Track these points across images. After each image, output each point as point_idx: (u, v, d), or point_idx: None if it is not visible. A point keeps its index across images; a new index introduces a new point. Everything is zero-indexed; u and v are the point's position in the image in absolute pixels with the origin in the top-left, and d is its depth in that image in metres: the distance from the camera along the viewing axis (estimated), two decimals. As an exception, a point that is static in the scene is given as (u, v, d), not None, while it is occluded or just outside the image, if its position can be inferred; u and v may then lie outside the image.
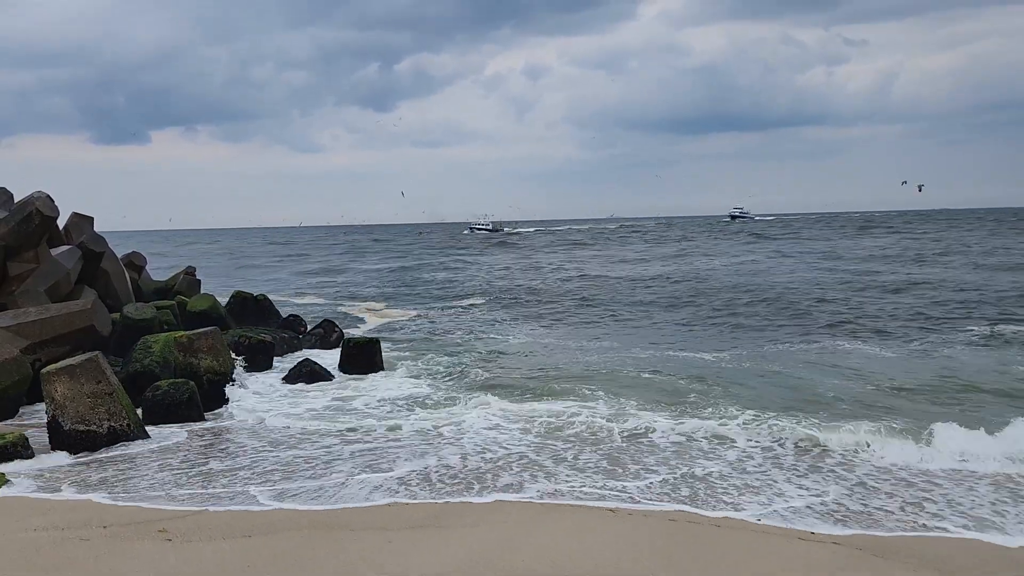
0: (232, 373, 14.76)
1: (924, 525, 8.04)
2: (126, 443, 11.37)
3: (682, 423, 12.01)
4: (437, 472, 9.93)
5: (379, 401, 14.20)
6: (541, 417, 12.55)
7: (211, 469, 10.26)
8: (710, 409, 12.83)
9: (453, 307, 31.12)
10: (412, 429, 12.14)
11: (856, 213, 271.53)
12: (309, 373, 16.10)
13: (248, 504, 8.79)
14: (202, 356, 14.41)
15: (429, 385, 15.54)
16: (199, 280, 25.69)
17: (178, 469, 10.28)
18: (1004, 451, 10.09)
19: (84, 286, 17.92)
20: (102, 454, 10.99)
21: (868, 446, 10.61)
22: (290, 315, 23.42)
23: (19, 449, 10.56)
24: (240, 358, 16.59)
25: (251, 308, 22.59)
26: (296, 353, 19.42)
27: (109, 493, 9.25)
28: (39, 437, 11.39)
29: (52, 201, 16.89)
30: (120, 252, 22.59)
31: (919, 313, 24.26)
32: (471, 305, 31.58)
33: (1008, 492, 8.99)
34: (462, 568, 6.78)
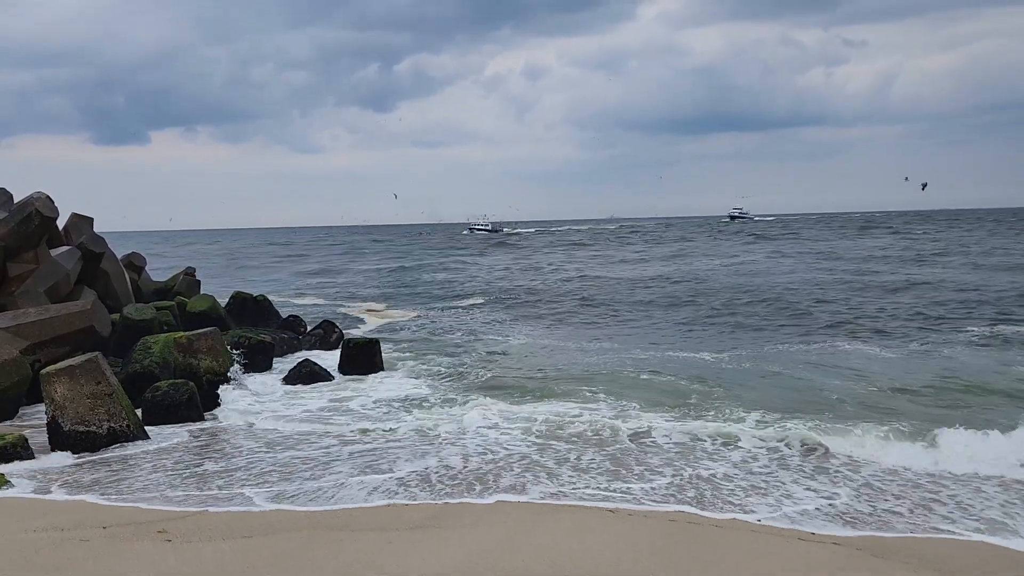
0: (228, 372, 14.72)
1: (936, 528, 7.98)
2: (126, 444, 11.36)
3: (685, 424, 11.98)
4: (437, 473, 9.92)
5: (379, 402, 14.18)
6: (542, 418, 12.51)
7: (210, 470, 10.25)
8: (713, 411, 12.79)
9: (453, 308, 31.11)
10: (412, 430, 12.12)
11: (856, 213, 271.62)
12: (309, 374, 16.08)
13: (247, 505, 8.78)
14: (202, 357, 14.40)
15: (429, 386, 15.53)
16: (199, 281, 25.69)
17: (178, 470, 10.27)
18: (1012, 453, 9.99)
19: (84, 287, 17.92)
20: (102, 455, 10.99)
21: (873, 447, 10.55)
22: (290, 316, 23.39)
23: (19, 450, 10.54)
24: (237, 352, 16.55)
25: (251, 309, 22.57)
26: (296, 354, 19.40)
27: (108, 494, 9.25)
28: (39, 438, 11.39)
29: (52, 202, 16.89)
30: (120, 253, 22.58)
31: (919, 313, 24.27)
32: (471, 306, 31.57)
33: (1016, 494, 8.92)
34: (462, 568, 6.77)
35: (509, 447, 11.07)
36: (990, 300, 26.61)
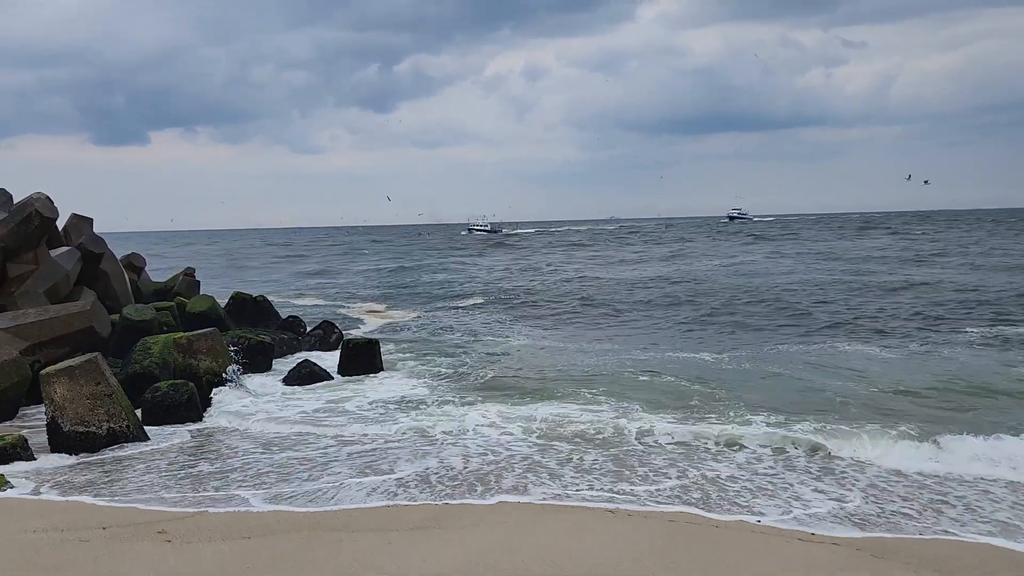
0: (224, 373, 14.69)
1: (946, 531, 7.95)
2: (125, 444, 11.36)
3: (687, 425, 11.93)
4: (437, 474, 9.90)
5: (378, 402, 14.15)
6: (543, 418, 12.48)
7: (209, 471, 10.24)
8: (715, 412, 12.75)
9: (453, 308, 31.10)
10: (412, 430, 12.10)
11: (855, 214, 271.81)
12: (308, 374, 16.06)
13: (246, 505, 8.78)
14: (201, 357, 14.38)
15: (429, 386, 15.50)
16: (198, 281, 25.65)
17: (177, 470, 10.26)
18: (1021, 455, 9.93)
19: (83, 287, 17.90)
20: (101, 455, 10.98)
21: (878, 449, 10.47)
22: (289, 316, 23.37)
23: (18, 451, 10.54)
24: (234, 349, 16.53)
25: (250, 309, 22.54)
26: (295, 354, 19.39)
27: (108, 494, 9.24)
28: (38, 438, 11.38)
29: (51, 202, 16.87)
30: (119, 253, 22.56)
31: (918, 313, 24.28)
32: (471, 306, 31.56)
33: (1025, 496, 8.89)
34: (462, 569, 6.76)
35: (510, 448, 11.05)
36: (989, 300, 26.62)
